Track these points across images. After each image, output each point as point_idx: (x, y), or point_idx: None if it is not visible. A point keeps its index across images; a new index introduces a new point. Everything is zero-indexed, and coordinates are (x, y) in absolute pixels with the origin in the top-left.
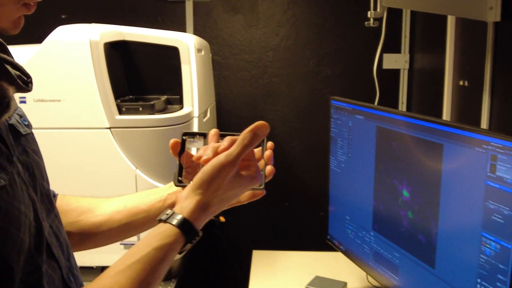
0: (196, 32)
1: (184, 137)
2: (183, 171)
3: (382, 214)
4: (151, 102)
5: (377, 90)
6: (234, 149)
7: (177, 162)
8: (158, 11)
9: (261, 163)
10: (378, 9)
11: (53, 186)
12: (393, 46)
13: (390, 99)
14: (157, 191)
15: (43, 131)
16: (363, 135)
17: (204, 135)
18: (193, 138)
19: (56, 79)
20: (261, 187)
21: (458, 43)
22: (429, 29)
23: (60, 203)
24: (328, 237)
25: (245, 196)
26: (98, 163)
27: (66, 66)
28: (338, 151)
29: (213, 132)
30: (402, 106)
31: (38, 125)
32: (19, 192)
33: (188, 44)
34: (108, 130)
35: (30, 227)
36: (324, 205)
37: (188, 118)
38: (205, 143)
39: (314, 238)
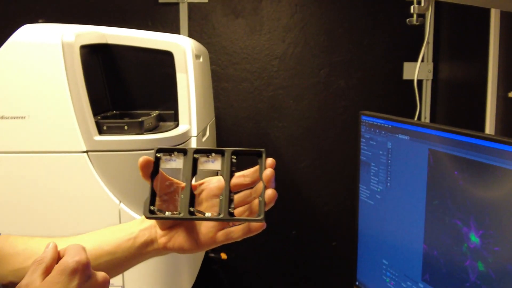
0: (191, 38)
1: (158, 155)
2: (157, 198)
3: (436, 262)
4: (139, 119)
5: (417, 104)
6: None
7: (149, 187)
8: (148, 14)
9: (260, 187)
10: (422, 4)
11: (15, 224)
12: (414, 54)
13: (409, 113)
14: (125, 227)
15: (2, 156)
16: (408, 160)
17: (184, 152)
18: (170, 156)
19: (20, 90)
20: (259, 218)
21: (503, 49)
22: (460, 35)
23: (2, 246)
24: (357, 283)
25: (239, 230)
26: (72, 196)
27: (33, 74)
28: (371, 178)
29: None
30: (425, 120)
31: None
32: None
33: (184, 49)
34: (85, 154)
35: None
36: (340, 237)
37: (185, 138)
38: (185, 162)
39: (328, 272)
